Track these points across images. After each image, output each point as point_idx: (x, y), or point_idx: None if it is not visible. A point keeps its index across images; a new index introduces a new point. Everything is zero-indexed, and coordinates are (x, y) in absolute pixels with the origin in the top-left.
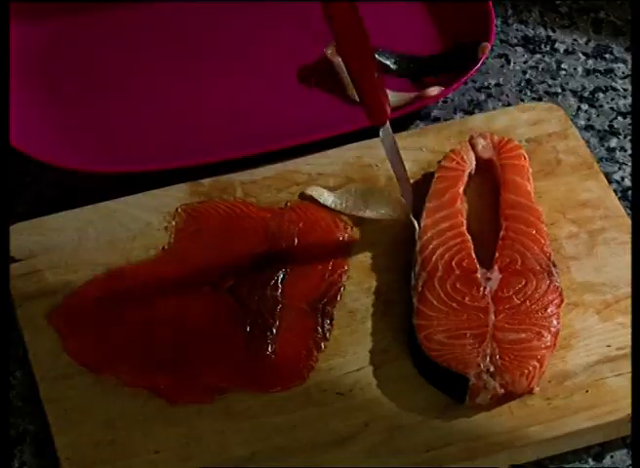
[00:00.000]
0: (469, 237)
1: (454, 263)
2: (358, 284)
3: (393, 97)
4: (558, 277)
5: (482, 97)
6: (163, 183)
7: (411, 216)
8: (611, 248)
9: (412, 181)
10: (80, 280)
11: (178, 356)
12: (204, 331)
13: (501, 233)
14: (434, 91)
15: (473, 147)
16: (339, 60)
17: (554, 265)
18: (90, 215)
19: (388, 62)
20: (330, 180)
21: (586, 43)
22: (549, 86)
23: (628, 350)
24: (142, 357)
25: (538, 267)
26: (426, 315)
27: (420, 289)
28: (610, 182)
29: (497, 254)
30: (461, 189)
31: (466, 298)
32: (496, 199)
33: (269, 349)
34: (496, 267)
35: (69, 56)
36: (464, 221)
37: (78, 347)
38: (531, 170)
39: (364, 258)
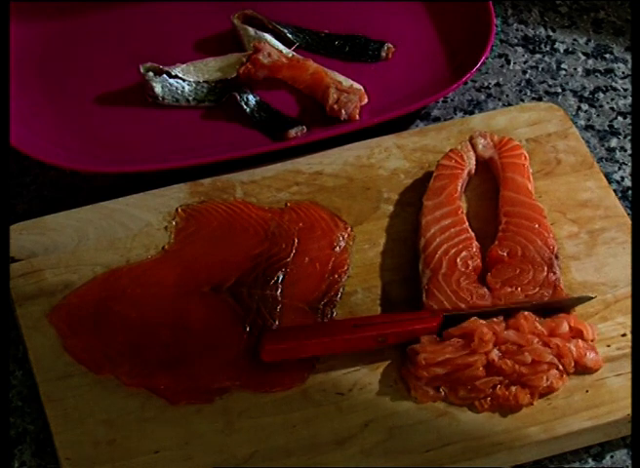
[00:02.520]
0: (473, 234)
1: (458, 260)
2: (358, 284)
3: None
4: (559, 270)
5: (482, 97)
6: (163, 183)
7: None
8: (611, 248)
9: (412, 180)
10: (80, 280)
11: (178, 356)
12: (204, 331)
13: (501, 227)
14: (292, 133)
15: (474, 147)
16: (242, 26)
17: (557, 258)
18: (90, 215)
19: (286, 31)
20: (330, 180)
21: (586, 43)
22: (549, 86)
23: (628, 350)
24: (142, 357)
25: (539, 259)
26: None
27: (426, 287)
28: (610, 182)
29: (495, 243)
30: (459, 187)
31: (473, 297)
32: (496, 198)
33: None
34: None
35: (69, 56)
36: (465, 218)
37: (78, 347)
38: (531, 169)
39: (364, 258)
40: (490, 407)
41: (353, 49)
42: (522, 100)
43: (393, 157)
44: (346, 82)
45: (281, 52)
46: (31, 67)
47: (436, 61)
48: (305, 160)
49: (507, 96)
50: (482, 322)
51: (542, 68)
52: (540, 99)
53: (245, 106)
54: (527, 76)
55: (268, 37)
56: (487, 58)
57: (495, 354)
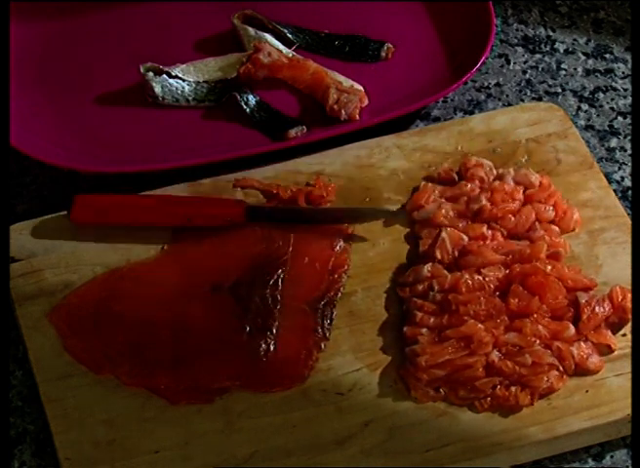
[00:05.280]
0: None
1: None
2: (358, 284)
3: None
4: None
5: (482, 97)
6: (163, 183)
7: None
8: (611, 248)
9: (412, 180)
10: (80, 280)
11: (178, 356)
12: (204, 331)
13: None
14: (292, 133)
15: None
16: (242, 26)
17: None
18: None
19: (286, 31)
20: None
21: (586, 43)
22: (549, 86)
23: (628, 350)
24: (142, 357)
25: None
26: None
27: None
28: (610, 182)
29: None
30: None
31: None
32: None
33: (269, 349)
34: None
35: (69, 56)
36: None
37: (78, 347)
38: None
39: (364, 258)
40: (490, 407)
41: (353, 49)
42: (522, 100)
43: (393, 157)
44: (347, 82)
45: (281, 52)
46: (31, 67)
47: (436, 61)
48: (305, 160)
49: (507, 96)
50: (481, 326)
51: (542, 68)
52: (540, 99)
53: (245, 106)
54: (527, 76)
55: (268, 37)
56: (487, 58)
57: (495, 355)
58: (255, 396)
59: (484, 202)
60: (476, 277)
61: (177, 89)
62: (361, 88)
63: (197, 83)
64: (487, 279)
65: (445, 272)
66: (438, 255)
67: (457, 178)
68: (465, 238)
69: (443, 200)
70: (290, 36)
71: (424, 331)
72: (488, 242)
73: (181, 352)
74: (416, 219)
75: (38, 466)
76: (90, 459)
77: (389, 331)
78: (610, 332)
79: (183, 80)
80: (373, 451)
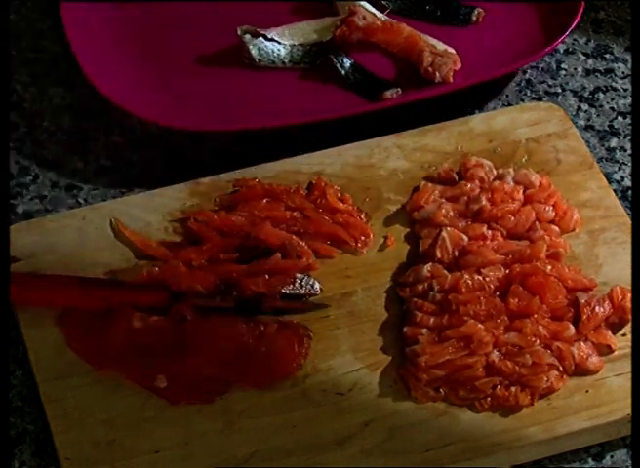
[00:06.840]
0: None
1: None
2: (358, 284)
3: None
4: None
5: (482, 96)
6: (163, 183)
7: None
8: (611, 248)
9: (412, 180)
10: None
11: (178, 356)
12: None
13: None
14: (388, 95)
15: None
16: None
17: None
18: (90, 215)
19: None
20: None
21: (586, 43)
22: (549, 86)
23: (628, 350)
24: (143, 357)
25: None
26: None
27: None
28: (610, 182)
29: None
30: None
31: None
32: None
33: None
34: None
35: (167, 21)
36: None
37: (81, 346)
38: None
39: (364, 258)
40: (490, 407)
41: (444, 13)
42: (522, 100)
43: (393, 157)
44: (440, 45)
45: (375, 15)
46: (135, 36)
47: (527, 25)
48: (305, 160)
49: (507, 96)
50: (481, 326)
51: (542, 68)
52: (540, 99)
53: (340, 68)
54: (527, 76)
55: (362, 2)
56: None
57: (495, 355)
58: (255, 396)
59: (484, 202)
60: (476, 277)
61: (273, 51)
62: (454, 51)
63: (292, 46)
64: (487, 279)
65: (445, 272)
66: (438, 255)
67: (457, 178)
68: (465, 238)
69: (443, 200)
70: (383, 0)
71: (424, 331)
72: (488, 242)
73: (180, 350)
74: (416, 219)
75: (38, 466)
76: (90, 459)
77: (389, 331)
78: (610, 332)
79: (279, 43)
80: (373, 451)
